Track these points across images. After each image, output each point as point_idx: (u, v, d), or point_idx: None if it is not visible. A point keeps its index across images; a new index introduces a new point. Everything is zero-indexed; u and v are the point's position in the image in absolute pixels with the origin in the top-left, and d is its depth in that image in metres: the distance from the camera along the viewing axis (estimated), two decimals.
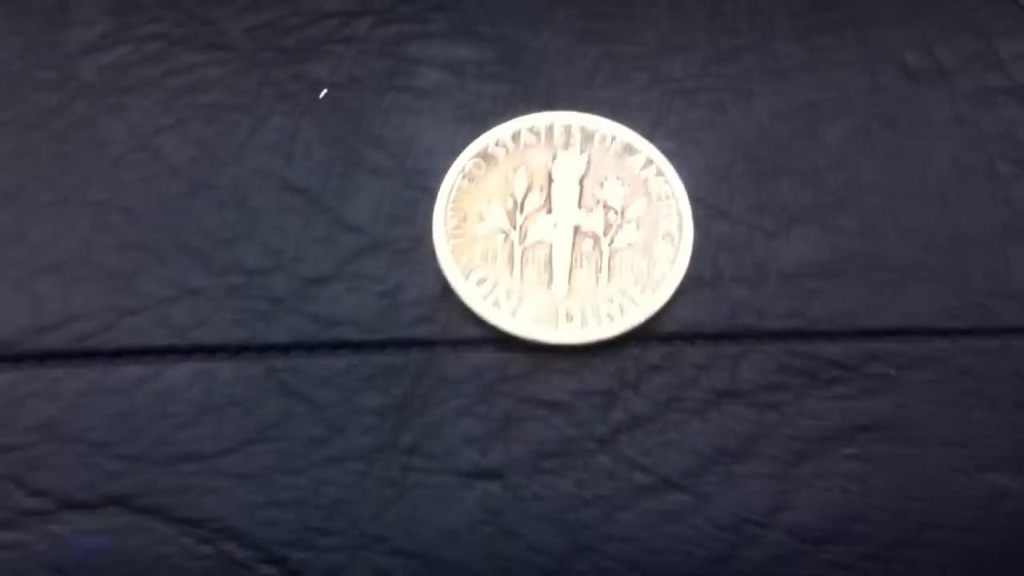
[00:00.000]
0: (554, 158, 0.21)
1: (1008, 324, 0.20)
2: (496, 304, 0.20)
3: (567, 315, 0.20)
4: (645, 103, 0.22)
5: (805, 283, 0.20)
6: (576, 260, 0.20)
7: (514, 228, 0.20)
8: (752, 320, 0.20)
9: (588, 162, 0.21)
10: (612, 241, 0.20)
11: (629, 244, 0.20)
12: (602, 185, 0.21)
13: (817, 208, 0.21)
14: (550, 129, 0.21)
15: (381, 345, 0.20)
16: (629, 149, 0.21)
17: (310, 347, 0.20)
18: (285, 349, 0.20)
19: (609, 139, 0.21)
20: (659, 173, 0.21)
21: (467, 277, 0.20)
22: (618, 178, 0.21)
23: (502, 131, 0.21)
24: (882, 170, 0.21)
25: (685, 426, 0.19)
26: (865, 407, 0.19)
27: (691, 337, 0.20)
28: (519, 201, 0.21)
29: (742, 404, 0.19)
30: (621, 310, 0.20)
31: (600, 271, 0.20)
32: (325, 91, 0.22)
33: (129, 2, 0.23)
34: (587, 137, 0.21)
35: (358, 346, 0.20)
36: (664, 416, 0.19)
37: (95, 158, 0.21)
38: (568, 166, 0.21)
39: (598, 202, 0.21)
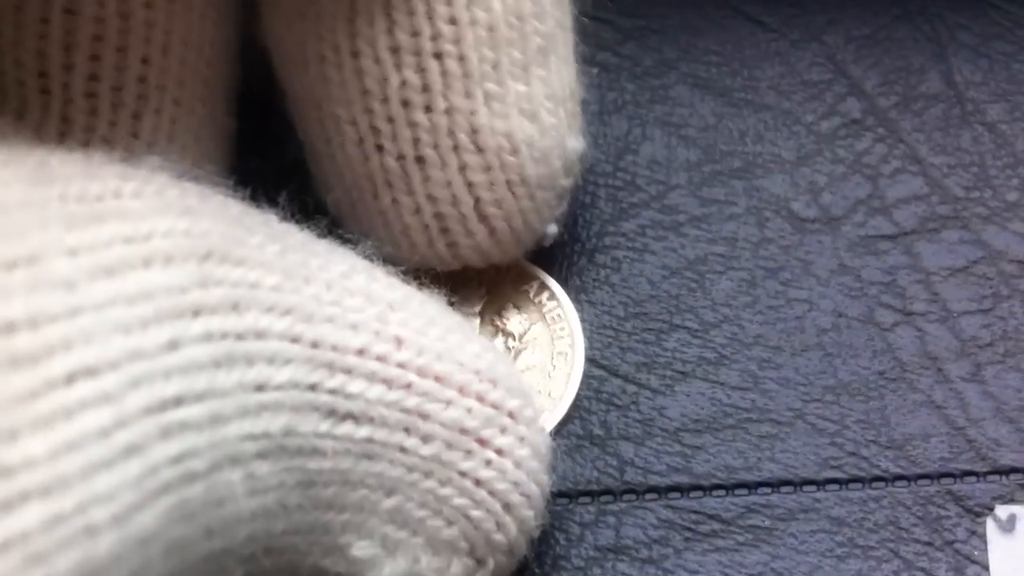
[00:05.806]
0: None
1: (883, 472, 0.20)
2: None
3: None
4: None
5: (687, 439, 0.21)
6: None
7: None
8: (638, 477, 0.21)
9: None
10: None
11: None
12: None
13: (701, 363, 0.22)
14: None
15: None
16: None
17: None
18: None
19: None
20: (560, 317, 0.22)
21: None
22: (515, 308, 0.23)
23: None
24: (765, 323, 0.22)
25: None
26: (742, 559, 0.20)
27: (578, 495, 0.21)
28: None
29: (624, 560, 0.20)
30: None
31: None
32: None
33: None
34: None
35: None
36: None
37: None
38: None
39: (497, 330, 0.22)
